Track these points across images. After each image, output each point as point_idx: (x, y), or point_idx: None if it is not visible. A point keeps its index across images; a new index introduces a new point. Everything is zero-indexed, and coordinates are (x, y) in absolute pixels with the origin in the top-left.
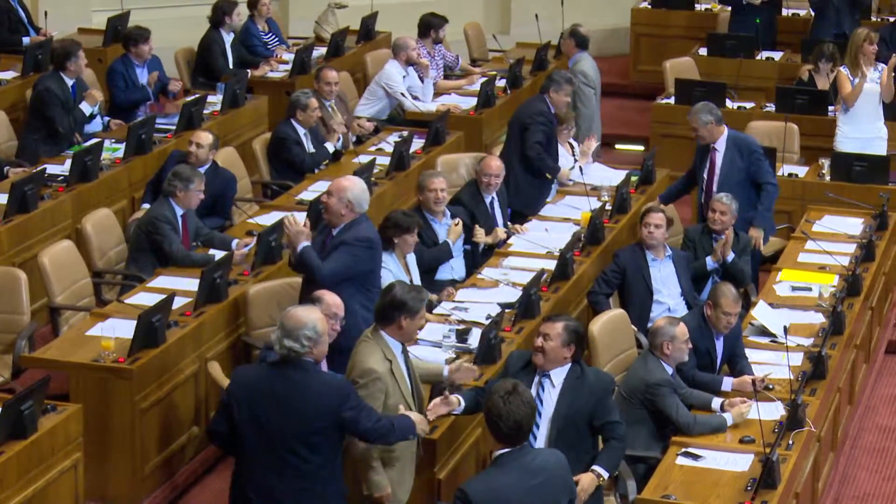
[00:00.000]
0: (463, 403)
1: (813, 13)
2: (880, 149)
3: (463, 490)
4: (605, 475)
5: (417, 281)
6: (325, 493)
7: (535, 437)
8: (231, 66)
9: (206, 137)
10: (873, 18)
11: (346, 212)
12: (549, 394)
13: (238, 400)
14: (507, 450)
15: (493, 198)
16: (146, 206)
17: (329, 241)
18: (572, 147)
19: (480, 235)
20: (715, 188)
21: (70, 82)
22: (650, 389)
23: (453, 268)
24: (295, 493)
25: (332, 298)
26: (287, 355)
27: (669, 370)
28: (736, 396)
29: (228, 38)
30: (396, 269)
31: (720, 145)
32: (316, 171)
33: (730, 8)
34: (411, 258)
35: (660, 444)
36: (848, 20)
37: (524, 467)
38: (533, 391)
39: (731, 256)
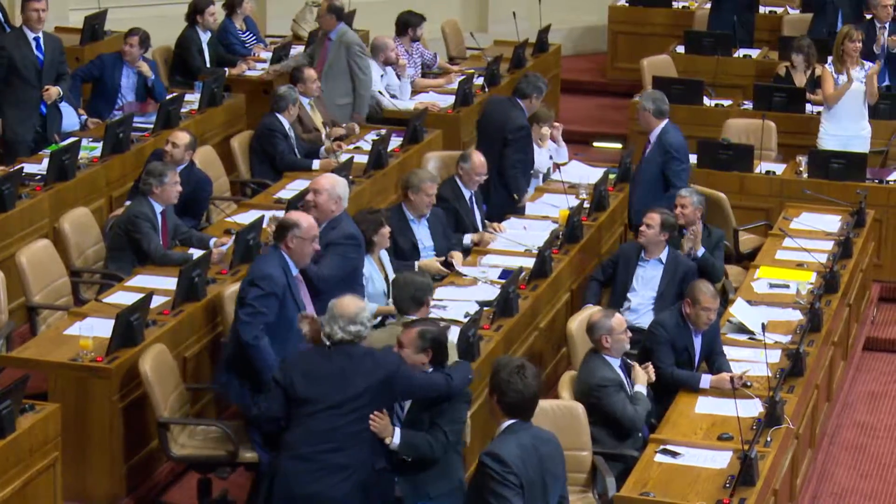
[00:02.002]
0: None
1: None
2: (862, 147)
3: (492, 452)
4: (397, 441)
5: (391, 275)
6: (376, 452)
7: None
8: (208, 65)
9: (182, 137)
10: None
11: (335, 208)
12: (408, 403)
13: (293, 381)
14: (515, 420)
15: (472, 193)
16: (128, 203)
17: None
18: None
19: (458, 259)
20: (636, 180)
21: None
22: (594, 392)
23: None
24: (348, 465)
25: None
26: (351, 340)
27: (616, 362)
28: (714, 391)
29: (205, 37)
30: (370, 268)
31: (653, 137)
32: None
33: (709, 5)
34: (384, 253)
35: (628, 440)
36: (847, 19)
37: (535, 435)
38: None
39: (701, 251)
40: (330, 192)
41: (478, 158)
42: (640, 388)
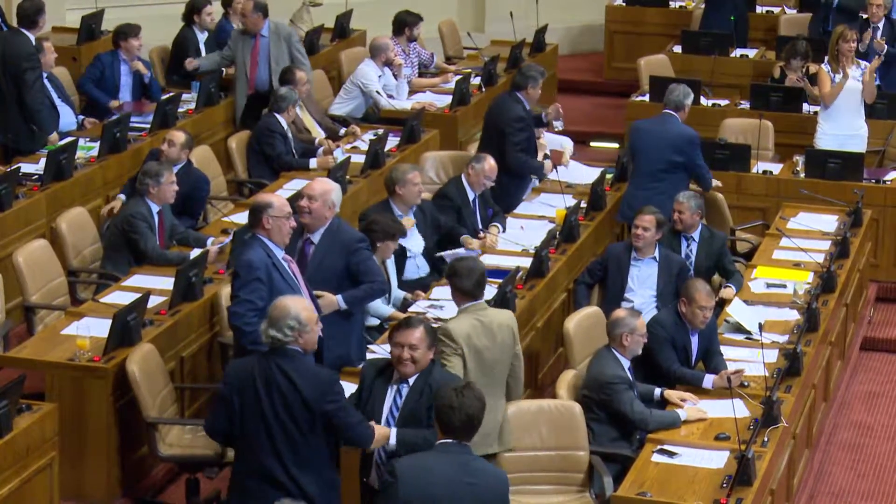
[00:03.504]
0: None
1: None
2: (859, 147)
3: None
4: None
5: (395, 283)
6: (320, 478)
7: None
8: None
9: (179, 136)
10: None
11: (329, 214)
12: (405, 396)
13: (233, 391)
14: (450, 441)
15: (475, 195)
16: (122, 196)
17: (309, 247)
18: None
19: (473, 244)
20: None
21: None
22: (604, 389)
23: (419, 266)
24: (293, 478)
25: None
26: (272, 344)
27: (626, 363)
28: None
29: (202, 37)
30: None
31: None
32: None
33: (703, 5)
34: (390, 262)
35: (628, 441)
36: (840, 18)
37: (463, 464)
38: (389, 399)
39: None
40: (324, 198)
41: (490, 162)
42: (683, 413)
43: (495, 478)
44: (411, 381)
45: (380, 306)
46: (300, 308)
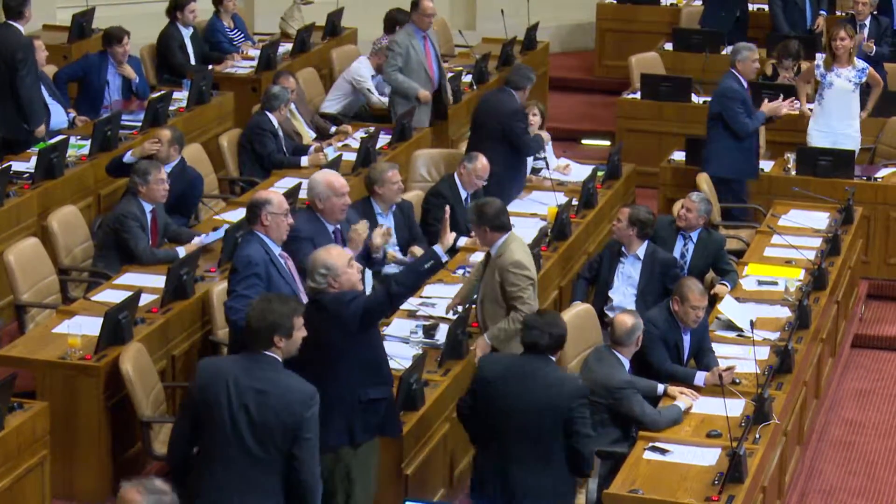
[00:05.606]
0: None
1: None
2: (852, 146)
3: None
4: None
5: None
6: None
7: None
8: (192, 61)
9: (164, 134)
10: (837, 13)
11: None
12: None
13: None
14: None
15: (468, 195)
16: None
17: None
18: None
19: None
20: None
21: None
22: (613, 394)
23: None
24: None
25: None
26: (312, 294)
27: (626, 363)
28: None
29: (186, 32)
30: None
31: None
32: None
33: (697, 2)
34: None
35: (626, 441)
36: (811, 15)
37: (257, 372)
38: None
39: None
40: None
41: (482, 161)
42: (681, 404)
43: (293, 391)
44: None
45: None
46: (326, 255)
